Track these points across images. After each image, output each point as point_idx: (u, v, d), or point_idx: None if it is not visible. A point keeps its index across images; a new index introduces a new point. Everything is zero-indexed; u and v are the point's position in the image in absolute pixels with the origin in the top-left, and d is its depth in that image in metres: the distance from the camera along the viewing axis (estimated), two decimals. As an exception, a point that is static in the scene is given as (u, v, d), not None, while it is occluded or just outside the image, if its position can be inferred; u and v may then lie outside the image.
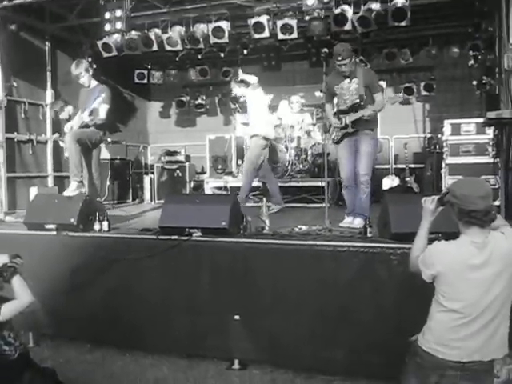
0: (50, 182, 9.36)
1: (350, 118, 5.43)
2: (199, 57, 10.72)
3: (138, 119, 12.82)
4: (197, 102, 12.49)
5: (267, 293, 4.52)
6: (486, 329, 2.63)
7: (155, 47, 9.35)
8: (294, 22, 8.60)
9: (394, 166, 10.39)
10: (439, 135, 8.55)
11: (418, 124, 11.17)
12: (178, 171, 10.35)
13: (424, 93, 10.88)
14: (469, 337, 2.64)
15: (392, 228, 4.35)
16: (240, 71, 7.65)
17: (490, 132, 7.39)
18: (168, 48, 9.46)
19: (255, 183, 9.11)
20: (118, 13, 7.99)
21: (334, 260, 4.33)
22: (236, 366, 4.62)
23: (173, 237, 4.78)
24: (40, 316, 4.99)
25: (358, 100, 5.40)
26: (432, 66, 10.75)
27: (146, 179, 10.66)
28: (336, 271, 4.32)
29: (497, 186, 6.13)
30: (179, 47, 9.46)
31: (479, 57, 9.65)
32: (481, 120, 6.84)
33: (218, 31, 8.99)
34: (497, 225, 2.76)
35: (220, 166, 10.11)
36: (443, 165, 7.79)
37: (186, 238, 4.75)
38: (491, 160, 7.22)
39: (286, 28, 8.67)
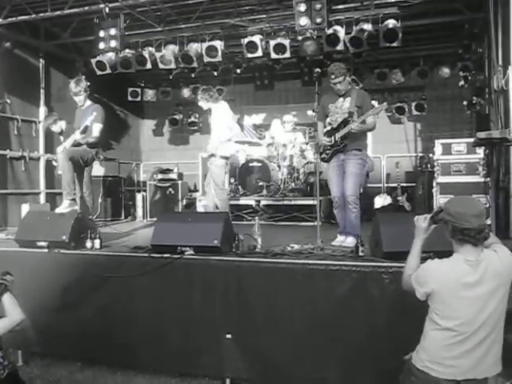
0: (43, 198, 9.34)
1: (339, 134, 5.47)
2: (192, 75, 10.82)
3: (131, 137, 12.86)
4: (190, 120, 12.57)
5: (259, 312, 4.50)
6: (480, 347, 2.64)
7: (149, 65, 9.43)
8: (286, 42, 8.73)
9: (386, 185, 10.48)
10: (430, 154, 8.62)
11: (409, 143, 11.28)
12: (170, 189, 10.34)
13: (415, 112, 11.02)
14: (463, 355, 2.64)
15: (384, 247, 4.36)
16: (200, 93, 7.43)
17: (481, 152, 7.46)
18: (162, 66, 9.56)
19: (245, 201, 9.15)
20: (113, 31, 8.08)
21: (326, 279, 4.32)
22: (228, 385, 4.58)
23: (165, 255, 4.76)
24: (30, 334, 4.94)
25: (347, 115, 5.44)
26: (423, 85, 10.90)
27: (139, 197, 10.65)
28: (328, 290, 4.31)
29: (487, 205, 6.17)
30: (173, 66, 9.55)
31: (469, 77, 9.79)
32: (471, 140, 6.91)
33: (211, 50, 9.09)
34: (489, 242, 2.78)
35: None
36: (434, 184, 7.83)
37: (178, 256, 4.73)
38: (482, 179, 7.27)
39: (279, 48, 8.80)
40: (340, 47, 8.40)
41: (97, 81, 9.72)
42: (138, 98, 12.29)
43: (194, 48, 9.32)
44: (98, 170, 9.40)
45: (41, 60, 9.51)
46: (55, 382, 4.68)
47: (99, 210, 9.43)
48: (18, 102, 8.88)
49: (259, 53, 8.92)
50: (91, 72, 9.74)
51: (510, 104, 5.94)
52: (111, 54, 9.42)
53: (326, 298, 4.31)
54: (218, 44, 9.08)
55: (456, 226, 2.66)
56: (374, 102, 5.94)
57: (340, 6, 8.21)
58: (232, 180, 9.96)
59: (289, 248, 5.12)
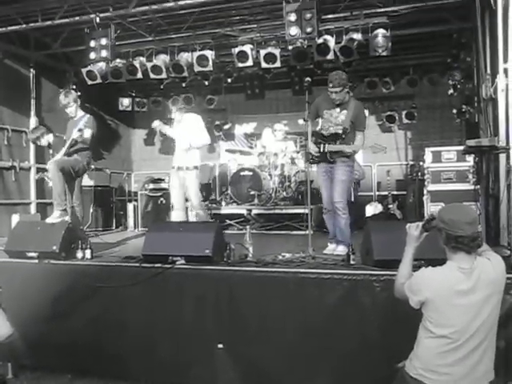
0: (33, 208, 9.30)
1: (329, 148, 5.46)
2: (183, 85, 10.81)
3: (122, 146, 12.84)
4: (181, 130, 12.53)
5: (251, 321, 4.49)
6: (474, 354, 2.65)
7: (140, 75, 9.43)
8: (277, 52, 8.77)
9: (377, 193, 10.51)
10: (421, 162, 8.66)
11: (400, 151, 11.33)
12: (161, 199, 10.27)
13: (406, 121, 11.08)
14: (457, 362, 2.65)
15: (375, 255, 4.37)
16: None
17: (471, 159, 7.50)
18: (152, 76, 9.56)
19: (237, 210, 9.14)
20: (103, 41, 8.07)
21: (317, 287, 4.33)
22: (220, 395, 4.55)
23: (156, 265, 4.75)
24: (19, 346, 4.87)
25: (341, 132, 5.43)
26: (413, 94, 10.98)
27: (130, 206, 10.59)
28: (320, 298, 4.31)
29: (478, 213, 6.19)
30: (164, 75, 9.55)
31: (458, 86, 9.87)
32: (461, 148, 6.94)
33: (202, 60, 9.12)
34: (481, 250, 2.80)
35: (204, 194, 10.09)
36: (425, 192, 7.86)
37: (169, 265, 4.72)
38: (472, 187, 7.30)
39: (270, 57, 8.83)
40: (330, 56, 8.45)
41: (87, 90, 9.76)
42: (129, 108, 12.27)
43: (185, 57, 9.34)
44: (87, 180, 9.36)
45: (31, 70, 9.49)
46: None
47: (90, 220, 9.38)
48: (8, 112, 8.85)
49: (250, 62, 8.95)
50: (82, 82, 9.75)
51: (498, 112, 5.98)
52: (102, 64, 9.42)
53: (317, 306, 4.31)
54: (209, 53, 9.11)
55: (450, 233, 2.68)
56: (365, 111, 5.97)
57: (330, 16, 8.26)
58: (223, 189, 9.98)
59: (280, 257, 5.11)
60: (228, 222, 9.11)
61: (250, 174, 9.26)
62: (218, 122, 12.20)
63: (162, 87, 10.91)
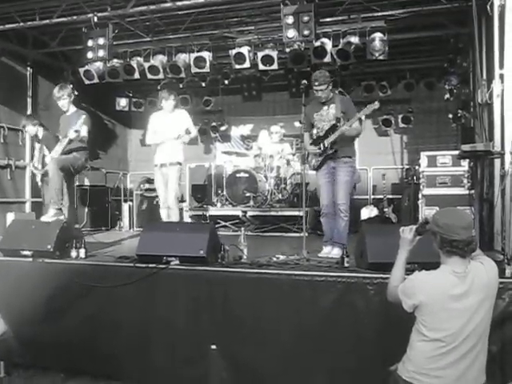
0: (28, 207, 9.27)
1: (329, 140, 5.50)
2: (181, 86, 10.81)
3: (118, 146, 12.83)
4: (177, 130, 12.52)
5: (245, 322, 4.49)
6: (466, 358, 2.66)
7: (137, 75, 9.44)
8: (274, 54, 8.78)
9: (373, 197, 10.51)
10: (416, 166, 8.68)
11: (396, 155, 11.36)
12: (157, 199, 10.27)
13: (402, 125, 11.11)
14: (449, 366, 2.66)
15: (369, 258, 4.38)
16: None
17: (466, 164, 7.52)
18: (150, 76, 9.55)
19: (232, 212, 9.15)
20: (101, 41, 8.07)
21: (311, 290, 4.33)
22: (212, 396, 4.55)
23: (150, 265, 4.75)
24: (13, 345, 4.88)
25: (335, 122, 5.48)
26: (409, 98, 11.00)
27: (125, 206, 10.58)
28: (314, 301, 4.31)
29: (472, 217, 6.21)
30: (161, 76, 9.55)
31: (454, 91, 9.90)
32: (456, 152, 6.96)
33: (199, 61, 9.13)
34: (474, 254, 2.81)
35: (199, 195, 10.10)
36: (420, 196, 7.87)
37: (163, 266, 4.71)
38: (467, 191, 7.32)
39: (267, 59, 8.85)
40: (327, 59, 8.47)
41: (85, 90, 9.74)
42: (126, 108, 12.23)
43: (182, 58, 9.35)
44: (83, 180, 9.38)
45: (28, 68, 9.48)
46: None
47: (85, 220, 9.37)
48: (4, 110, 8.83)
49: (247, 64, 8.97)
50: (79, 81, 9.74)
51: (493, 117, 6.01)
52: (99, 64, 9.43)
53: (311, 308, 4.32)
54: (207, 55, 9.12)
55: (445, 237, 2.69)
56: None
57: (327, 19, 8.28)
58: (219, 190, 9.98)
59: (274, 259, 5.12)
60: (223, 223, 9.11)
61: (246, 175, 9.26)
62: (214, 124, 12.20)
63: (159, 88, 10.88)
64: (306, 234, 5.54)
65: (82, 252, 5.27)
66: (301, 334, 4.32)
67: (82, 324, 4.90)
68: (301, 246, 5.27)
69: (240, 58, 8.93)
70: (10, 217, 7.96)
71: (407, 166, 10.51)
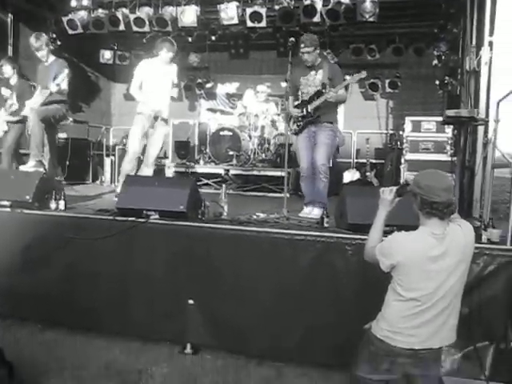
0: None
1: (312, 106, 5.48)
2: (167, 40, 10.56)
3: (101, 100, 12.61)
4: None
5: (224, 279, 4.53)
6: (439, 317, 2.72)
7: (122, 27, 9.19)
8: (263, 11, 8.60)
9: (356, 161, 10.55)
10: (401, 132, 8.70)
11: (381, 120, 11.34)
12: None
13: (388, 90, 11.04)
14: (422, 325, 2.71)
15: (348, 218, 4.42)
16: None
17: (449, 131, 7.56)
18: (135, 29, 9.30)
19: (215, 170, 9.12)
20: (85, -12, 7.83)
21: (291, 248, 4.37)
22: (188, 350, 4.60)
23: (130, 218, 4.74)
24: (-9, 294, 4.88)
25: (320, 87, 5.45)
26: (397, 63, 10.91)
27: (107, 161, 10.49)
28: (293, 259, 4.36)
29: (453, 184, 6.27)
30: (146, 29, 9.30)
31: (443, 57, 9.83)
32: (441, 118, 6.98)
33: (186, 15, 8.89)
34: (452, 217, 2.82)
35: (182, 152, 10.02)
36: (402, 160, 7.93)
37: (143, 220, 4.71)
38: (449, 158, 7.38)
39: (255, 16, 8.66)
40: (316, 19, 8.33)
41: (68, 40, 9.51)
42: (111, 61, 11.93)
43: (169, 11, 9.10)
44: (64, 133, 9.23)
45: (9, 15, 9.16)
46: (15, 342, 4.63)
47: (66, 173, 9.26)
48: (-17, 58, 8.58)
49: (235, 20, 8.79)
50: (62, 31, 9.46)
51: (480, 85, 6.01)
52: (83, 13, 9.18)
53: (291, 267, 4.37)
54: (194, 9, 8.90)
55: (425, 198, 2.70)
56: (348, 77, 5.95)
57: (319, -23, 8.13)
58: (202, 148, 9.92)
59: (255, 216, 5.14)
60: (205, 181, 9.09)
61: (230, 134, 9.20)
62: (199, 80, 12.02)
63: (144, 41, 10.66)
64: (288, 195, 5.56)
65: (62, 204, 5.23)
66: (280, 291, 4.38)
67: (60, 276, 4.90)
68: (282, 205, 5.28)
69: (228, 13, 8.75)
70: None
71: (392, 132, 10.54)
